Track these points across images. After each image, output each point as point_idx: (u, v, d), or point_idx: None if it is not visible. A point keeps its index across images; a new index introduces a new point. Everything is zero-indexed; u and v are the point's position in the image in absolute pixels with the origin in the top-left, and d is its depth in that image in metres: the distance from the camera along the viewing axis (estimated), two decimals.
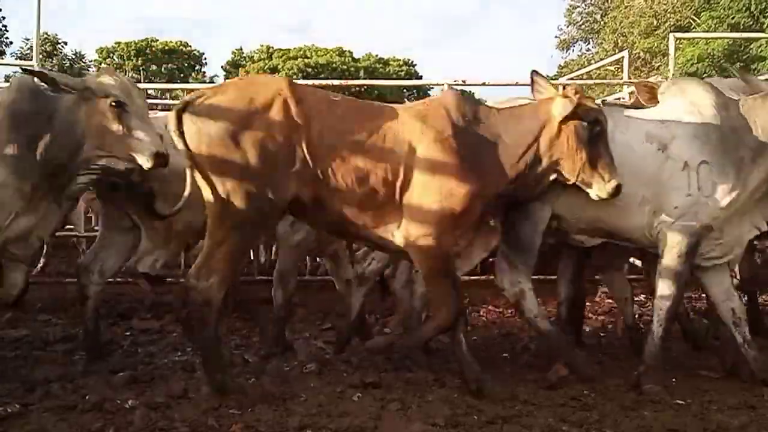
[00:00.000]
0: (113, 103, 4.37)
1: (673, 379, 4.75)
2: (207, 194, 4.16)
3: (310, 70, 43.82)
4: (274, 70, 44.77)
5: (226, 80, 4.81)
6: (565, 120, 4.27)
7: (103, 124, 4.40)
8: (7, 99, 4.46)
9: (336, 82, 8.11)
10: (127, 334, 6.08)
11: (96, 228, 9.60)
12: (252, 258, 9.60)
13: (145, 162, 4.37)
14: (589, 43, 30.48)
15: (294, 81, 4.51)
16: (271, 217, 4.35)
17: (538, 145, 4.34)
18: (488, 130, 4.39)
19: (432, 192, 4.21)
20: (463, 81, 9.05)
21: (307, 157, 4.16)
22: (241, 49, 52.07)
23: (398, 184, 4.25)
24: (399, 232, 4.31)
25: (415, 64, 51.33)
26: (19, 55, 38.15)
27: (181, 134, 4.13)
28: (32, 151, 4.41)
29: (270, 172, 4.11)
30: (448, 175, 4.22)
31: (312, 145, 4.16)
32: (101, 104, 4.40)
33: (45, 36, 38.67)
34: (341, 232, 4.63)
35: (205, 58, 51.15)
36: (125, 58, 46.65)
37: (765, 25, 14.27)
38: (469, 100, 4.53)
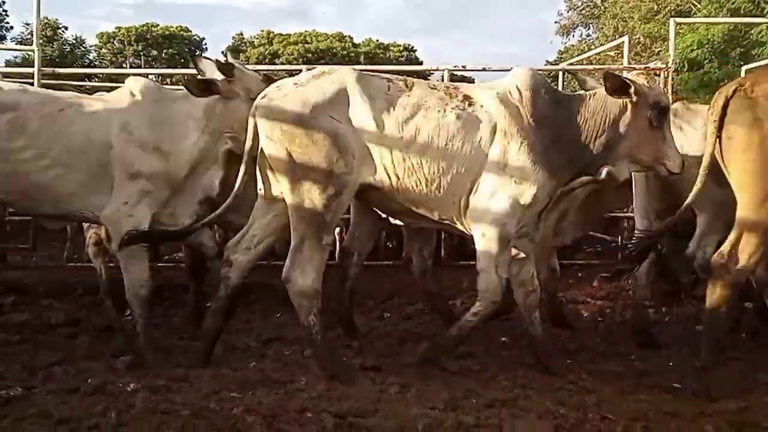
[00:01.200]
0: (660, 110, 4.46)
1: (670, 363, 4.79)
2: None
3: (310, 55, 43.64)
4: (274, 56, 44.62)
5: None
6: None
7: (647, 128, 4.47)
8: (530, 96, 4.49)
9: (336, 67, 8.05)
10: (129, 318, 6.09)
11: None
12: None
13: (675, 168, 4.49)
14: (589, 29, 30.34)
15: None
16: None
17: None
18: None
19: None
20: (464, 66, 9.09)
21: None
22: (241, 34, 51.96)
23: None
24: None
25: (416, 50, 51.19)
26: (19, 40, 38.00)
27: (720, 120, 4.29)
28: (559, 150, 4.45)
29: None
30: None
31: None
32: (646, 109, 4.45)
33: (45, 21, 38.53)
34: None
35: (206, 44, 50.97)
36: (125, 43, 46.49)
37: (765, 10, 14.21)
38: None
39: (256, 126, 4.43)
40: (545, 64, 29.19)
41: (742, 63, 12.26)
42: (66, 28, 43.77)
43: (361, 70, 4.62)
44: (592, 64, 13.69)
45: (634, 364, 4.79)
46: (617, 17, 23.37)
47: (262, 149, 4.44)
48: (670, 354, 5.01)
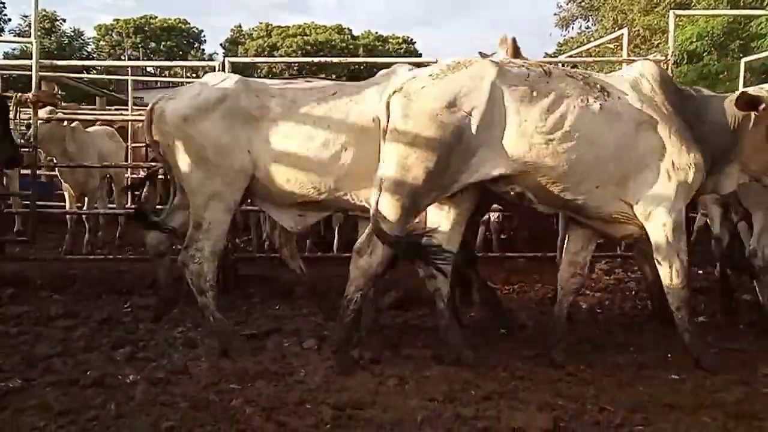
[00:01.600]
0: None
1: (669, 355, 4.79)
2: None
3: (309, 47, 43.60)
4: (273, 48, 44.56)
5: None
6: None
7: (764, 139, 4.56)
8: (661, 87, 4.55)
9: (335, 59, 8.08)
10: (128, 310, 6.11)
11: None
12: (252, 235, 9.60)
13: None
14: (588, 21, 30.17)
15: None
16: None
17: None
18: None
19: None
20: None
21: None
22: (240, 26, 51.90)
23: None
24: None
25: (415, 42, 51.21)
26: (17, 32, 37.95)
27: None
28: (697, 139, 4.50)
29: None
30: None
31: None
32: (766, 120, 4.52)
33: (43, 13, 38.43)
34: None
35: (204, 36, 50.93)
36: (124, 35, 46.44)
37: (765, 2, 14.14)
38: None
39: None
40: (544, 56, 29.21)
41: (741, 55, 12.20)
42: (64, 20, 43.76)
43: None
44: (591, 56, 13.70)
45: (632, 356, 4.79)
46: (616, 9, 23.23)
47: None
48: (668, 346, 5.00)
